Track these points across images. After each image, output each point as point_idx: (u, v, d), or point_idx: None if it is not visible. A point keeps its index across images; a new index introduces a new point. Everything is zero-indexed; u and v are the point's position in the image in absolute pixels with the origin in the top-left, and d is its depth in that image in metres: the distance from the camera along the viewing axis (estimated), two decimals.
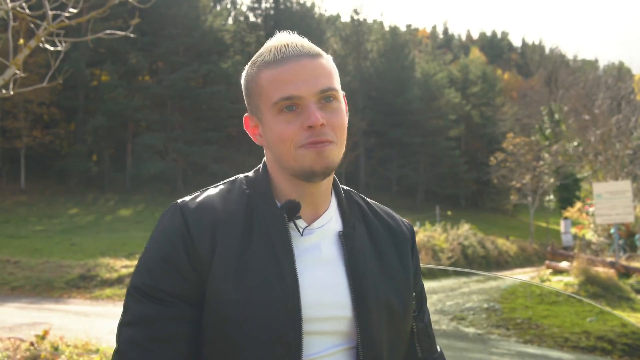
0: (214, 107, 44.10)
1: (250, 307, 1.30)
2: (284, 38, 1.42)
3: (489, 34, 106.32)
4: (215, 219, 1.37)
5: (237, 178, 1.51)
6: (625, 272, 16.03)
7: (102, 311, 12.44)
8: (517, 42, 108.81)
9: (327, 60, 1.43)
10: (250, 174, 1.51)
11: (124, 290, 14.75)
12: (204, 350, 1.34)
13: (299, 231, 1.40)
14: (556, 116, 39.48)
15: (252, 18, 52.34)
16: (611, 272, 15.55)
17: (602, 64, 78.82)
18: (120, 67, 42.64)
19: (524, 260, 30.00)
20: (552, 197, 38.75)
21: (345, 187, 1.56)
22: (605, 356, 10.69)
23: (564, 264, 17.24)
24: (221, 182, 1.51)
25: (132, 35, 6.53)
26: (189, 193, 1.45)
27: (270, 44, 1.42)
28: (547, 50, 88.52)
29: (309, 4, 52.62)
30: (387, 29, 60.33)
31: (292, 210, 1.39)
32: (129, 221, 32.24)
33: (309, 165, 1.36)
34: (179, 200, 1.42)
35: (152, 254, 1.37)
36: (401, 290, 1.48)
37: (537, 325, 12.07)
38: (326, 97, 1.37)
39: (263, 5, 51.33)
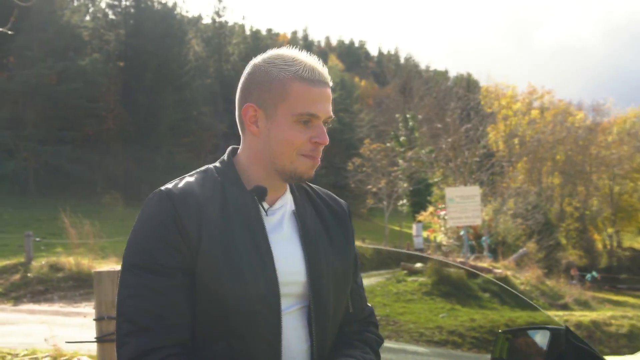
0: (70, 106, 42.46)
1: (236, 275, 1.57)
2: (313, 62, 1.69)
3: (347, 42, 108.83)
4: (198, 202, 1.61)
5: (207, 168, 1.75)
6: (474, 272, 17.08)
7: None
8: (373, 51, 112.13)
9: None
10: (217, 164, 1.76)
11: None
12: (196, 316, 1.59)
13: (264, 211, 1.68)
14: (410, 124, 40.98)
15: (111, 16, 50.84)
16: (461, 272, 16.52)
17: (452, 75, 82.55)
18: None
19: (380, 263, 30.90)
20: (405, 201, 40.11)
21: None
22: (456, 349, 11.46)
23: (418, 265, 18.11)
24: (194, 172, 1.74)
25: (9, 32, 6.42)
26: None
27: (300, 59, 1.69)
28: (402, 60, 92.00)
29: (170, 4, 51.89)
30: (248, 32, 60.61)
31: (262, 193, 1.68)
32: None
33: (302, 171, 1.68)
34: (163, 188, 1.64)
35: (145, 235, 1.60)
36: (344, 258, 1.80)
37: (395, 322, 12.67)
38: (329, 122, 1.70)
39: (123, 3, 49.98)
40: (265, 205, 1.69)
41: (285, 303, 1.63)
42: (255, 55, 1.79)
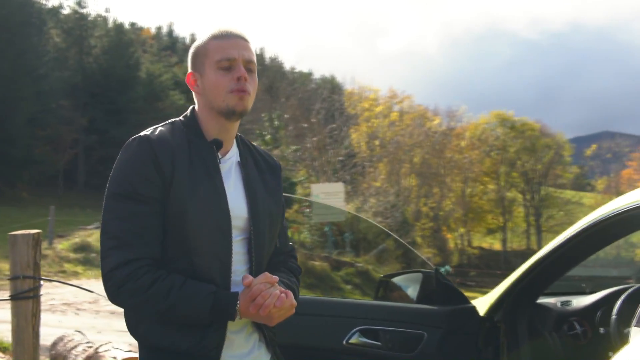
0: None
1: (199, 207, 1.97)
2: (227, 26, 2.10)
3: None
4: (172, 146, 2.00)
5: (174, 121, 2.14)
6: (337, 266, 17.83)
7: None
8: None
9: (253, 47, 2.12)
10: (181, 118, 2.15)
11: None
12: (166, 238, 1.97)
13: (219, 160, 2.09)
14: (276, 123, 41.43)
15: None
16: (325, 265, 17.22)
17: (316, 76, 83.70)
18: None
19: None
20: None
21: (238, 133, 2.25)
22: None
23: None
24: (164, 124, 2.12)
25: None
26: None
27: (218, 27, 2.10)
28: (267, 60, 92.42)
29: None
30: (111, 25, 58.85)
31: (219, 145, 2.09)
32: None
33: (233, 105, 2.04)
34: (142, 134, 2.03)
35: (127, 170, 1.98)
36: (277, 202, 2.25)
37: None
38: (249, 67, 2.07)
39: None
40: (219, 155, 2.10)
41: (233, 233, 2.05)
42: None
